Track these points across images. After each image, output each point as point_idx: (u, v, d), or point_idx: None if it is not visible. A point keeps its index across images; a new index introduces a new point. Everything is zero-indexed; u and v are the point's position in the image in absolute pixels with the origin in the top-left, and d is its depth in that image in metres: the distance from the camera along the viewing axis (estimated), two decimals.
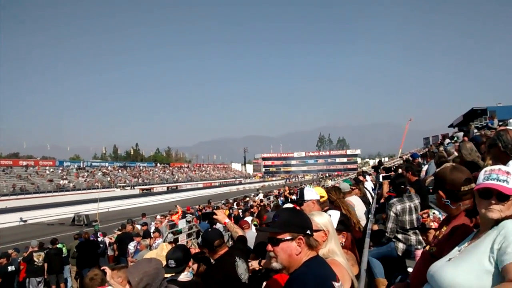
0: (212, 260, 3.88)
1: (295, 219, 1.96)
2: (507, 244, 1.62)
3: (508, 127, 7.46)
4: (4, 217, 33.23)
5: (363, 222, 6.01)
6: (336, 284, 1.82)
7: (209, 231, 3.91)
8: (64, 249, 12.13)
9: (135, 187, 73.36)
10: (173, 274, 3.56)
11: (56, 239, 12.25)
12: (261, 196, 30.27)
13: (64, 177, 69.41)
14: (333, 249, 2.45)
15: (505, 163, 3.01)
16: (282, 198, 20.45)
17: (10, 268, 10.13)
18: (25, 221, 32.89)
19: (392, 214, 4.68)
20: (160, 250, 4.27)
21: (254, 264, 3.83)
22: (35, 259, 10.68)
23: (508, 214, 1.75)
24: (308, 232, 1.93)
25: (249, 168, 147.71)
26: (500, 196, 1.75)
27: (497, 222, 1.76)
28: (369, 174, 16.13)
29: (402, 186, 5.12)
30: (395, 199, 4.91)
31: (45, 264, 10.89)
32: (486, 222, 1.81)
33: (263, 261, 3.78)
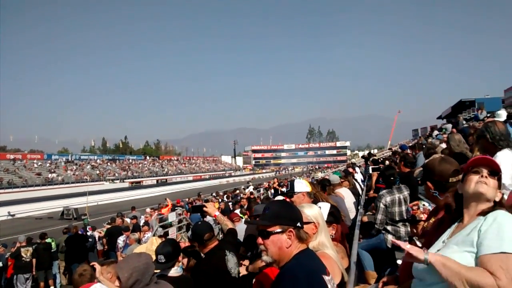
0: (202, 254, 3.86)
1: (285, 212, 1.94)
2: (486, 235, 1.65)
3: (496, 119, 7.53)
4: None
5: (352, 213, 6.03)
6: (326, 277, 1.81)
7: (199, 224, 3.89)
8: (53, 244, 11.98)
9: (125, 180, 73.12)
10: (163, 269, 3.55)
11: (45, 234, 12.10)
12: (251, 188, 30.27)
13: (53, 170, 68.85)
14: (323, 242, 2.44)
15: (493, 154, 3.03)
16: (272, 191, 20.47)
17: None
18: (13, 215, 32.64)
19: (381, 205, 4.68)
20: (150, 244, 4.23)
21: (243, 271, 3.81)
22: (23, 254, 10.54)
23: (494, 198, 1.79)
24: (299, 224, 1.91)
25: (239, 161, 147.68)
26: (493, 171, 1.80)
27: (484, 213, 1.77)
28: (359, 166, 16.21)
29: (392, 178, 5.14)
30: (384, 191, 4.91)
31: (34, 260, 10.75)
32: (473, 208, 1.83)
33: (251, 266, 3.77)
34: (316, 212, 2.53)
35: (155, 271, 3.64)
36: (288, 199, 3.48)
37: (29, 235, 12.81)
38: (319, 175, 47.49)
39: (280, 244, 1.87)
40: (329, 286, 1.79)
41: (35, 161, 71.72)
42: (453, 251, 1.72)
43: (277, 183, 19.32)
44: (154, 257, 3.66)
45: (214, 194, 28.62)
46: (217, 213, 4.15)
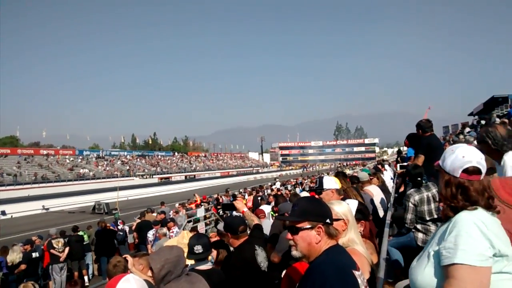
0: (231, 248, 3.92)
1: (314, 208, 1.96)
2: (447, 241, 1.58)
3: (496, 123, 7.29)
4: (27, 205, 34.04)
5: (381, 212, 5.98)
6: (356, 272, 1.82)
7: (233, 217, 3.96)
8: (85, 237, 12.38)
9: (154, 176, 74.08)
10: (197, 261, 3.62)
11: (77, 227, 12.52)
12: (278, 185, 30.29)
13: (84, 166, 70.48)
14: (352, 238, 2.46)
15: (498, 159, 2.96)
16: (300, 188, 20.46)
17: (34, 255, 10.38)
18: (47, 209, 33.57)
19: (410, 205, 4.63)
20: (181, 238, 4.34)
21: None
22: (54, 245, 10.92)
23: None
24: (328, 221, 1.93)
25: (266, 157, 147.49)
26: None
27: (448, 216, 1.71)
28: (389, 163, 15.99)
29: (419, 178, 5.06)
30: (412, 190, 4.85)
31: (66, 250, 11.11)
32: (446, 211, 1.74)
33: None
34: (345, 209, 2.55)
35: (191, 262, 3.74)
36: (316, 196, 3.49)
37: (62, 228, 13.22)
38: (348, 172, 47.05)
39: (309, 239, 1.89)
40: (359, 280, 1.81)
41: (67, 156, 73.57)
42: (425, 256, 1.70)
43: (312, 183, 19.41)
44: (186, 250, 3.75)
45: (241, 190, 28.77)
46: (246, 209, 4.21)
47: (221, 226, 4.62)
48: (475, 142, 6.96)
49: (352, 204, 3.05)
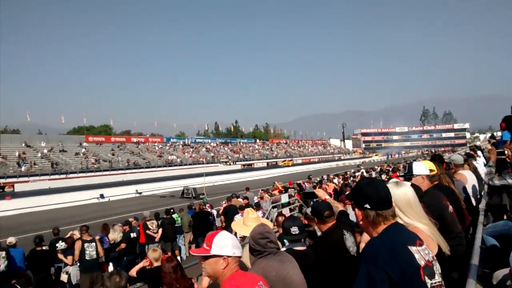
0: (318, 233, 3.99)
1: (358, 192, 2.06)
2: None
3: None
4: (121, 189, 36.68)
5: (474, 199, 5.71)
6: (412, 248, 1.85)
7: (319, 202, 4.02)
8: (178, 219, 13.13)
9: (237, 163, 75.98)
10: (292, 242, 3.74)
11: (170, 209, 13.31)
12: (362, 172, 29.71)
13: (172, 153, 74.17)
14: (411, 220, 2.41)
15: None
16: (385, 176, 19.96)
17: (132, 235, 11.21)
18: (140, 193, 35.71)
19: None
20: (246, 214, 4.46)
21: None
22: (149, 226, 11.71)
23: None
24: (367, 206, 1.99)
25: (348, 144, 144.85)
26: None
27: None
28: (482, 150, 15.03)
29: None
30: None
31: (159, 232, 11.87)
32: None
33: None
34: (398, 193, 2.42)
35: (286, 242, 3.88)
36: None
37: (155, 211, 14.11)
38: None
39: (359, 218, 2.06)
40: (416, 256, 1.83)
41: (156, 144, 78.00)
42: None
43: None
44: (250, 225, 3.90)
45: (324, 177, 28.60)
46: (327, 196, 4.24)
47: (309, 210, 4.69)
48: None
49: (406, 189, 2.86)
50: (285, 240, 4.17)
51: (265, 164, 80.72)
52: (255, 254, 2.95)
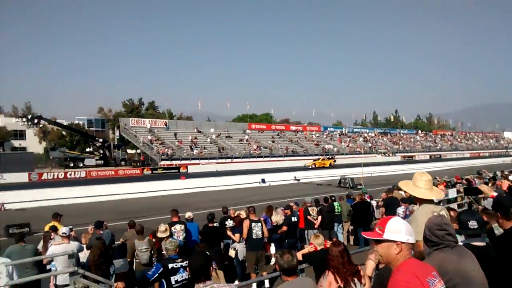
0: (500, 230, 3.67)
1: None
2: None
3: None
4: (280, 175, 38.71)
5: None
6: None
7: (503, 196, 3.71)
8: (338, 208, 13.18)
9: (396, 154, 73.25)
10: (469, 236, 3.51)
11: (332, 197, 13.44)
12: None
13: (328, 142, 74.75)
14: None
15: None
16: None
17: (293, 219, 11.62)
18: (298, 180, 36.84)
19: None
20: (419, 175, 4.22)
21: None
22: (310, 212, 11.98)
23: None
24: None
25: None
26: None
27: None
28: None
29: None
30: None
31: (319, 219, 12.06)
32: None
33: None
34: None
35: (461, 236, 3.67)
36: None
37: (315, 197, 14.37)
38: None
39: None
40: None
41: (313, 132, 79.50)
42: None
43: None
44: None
45: (498, 173, 25.70)
46: (494, 193, 3.89)
47: (488, 204, 4.31)
48: None
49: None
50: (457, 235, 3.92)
51: (427, 157, 76.14)
52: (430, 245, 2.84)
